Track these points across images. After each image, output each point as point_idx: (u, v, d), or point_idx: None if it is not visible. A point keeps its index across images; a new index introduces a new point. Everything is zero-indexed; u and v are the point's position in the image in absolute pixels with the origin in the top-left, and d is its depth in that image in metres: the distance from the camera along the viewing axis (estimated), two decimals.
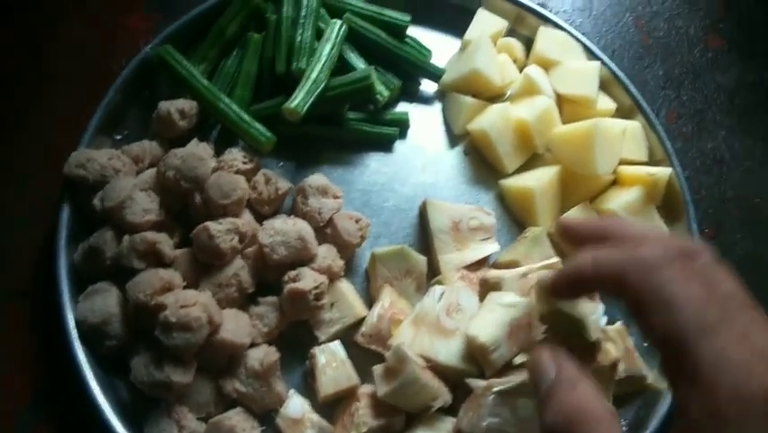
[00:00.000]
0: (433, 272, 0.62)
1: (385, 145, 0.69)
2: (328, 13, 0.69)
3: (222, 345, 0.54)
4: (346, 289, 0.60)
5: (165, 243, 0.56)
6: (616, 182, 0.66)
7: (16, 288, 0.60)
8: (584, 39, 0.71)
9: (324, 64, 0.63)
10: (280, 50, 0.65)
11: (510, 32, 0.74)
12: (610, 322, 0.58)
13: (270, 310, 0.57)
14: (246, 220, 0.60)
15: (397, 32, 0.69)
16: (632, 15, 0.80)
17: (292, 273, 0.57)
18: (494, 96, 0.70)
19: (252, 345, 0.56)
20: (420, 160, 0.69)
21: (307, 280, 0.56)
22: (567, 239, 0.46)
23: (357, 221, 0.62)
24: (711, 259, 0.39)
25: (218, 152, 0.63)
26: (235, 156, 0.62)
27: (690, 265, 0.37)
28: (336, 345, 0.57)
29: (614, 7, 0.80)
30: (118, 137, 0.65)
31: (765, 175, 0.74)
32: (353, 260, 0.64)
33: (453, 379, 0.53)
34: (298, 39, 0.64)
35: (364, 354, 0.57)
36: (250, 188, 0.61)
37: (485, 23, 0.71)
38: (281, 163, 0.67)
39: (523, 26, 0.73)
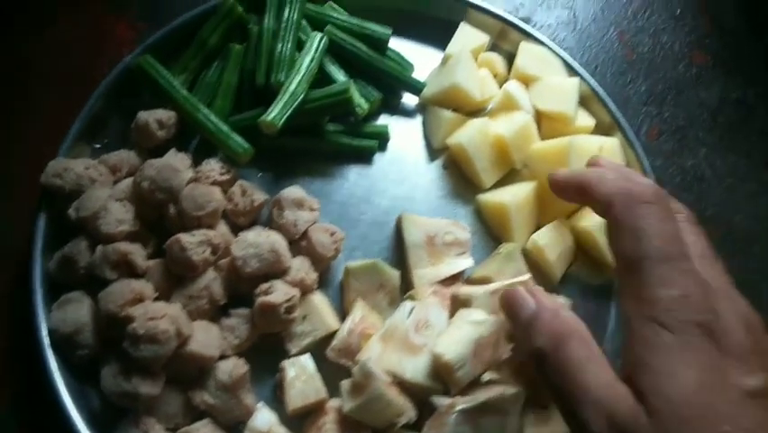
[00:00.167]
0: (407, 287, 0.62)
1: (364, 157, 0.69)
2: (310, 25, 0.69)
3: (191, 358, 0.54)
4: (319, 302, 0.60)
5: (137, 254, 0.56)
6: None
7: None
8: (565, 55, 0.71)
9: (302, 77, 0.63)
10: (260, 61, 0.65)
11: (494, 47, 0.74)
12: None
13: (242, 322, 0.58)
14: (221, 231, 0.60)
15: (379, 45, 0.69)
16: (616, 30, 0.80)
17: (264, 286, 0.57)
18: (474, 111, 0.70)
19: (223, 356, 0.57)
20: (399, 173, 0.69)
21: (279, 293, 0.56)
22: (556, 193, 0.51)
23: (332, 234, 0.62)
24: (691, 217, 0.47)
25: (196, 162, 0.63)
26: (213, 167, 0.62)
27: (669, 212, 0.43)
28: (306, 359, 0.57)
29: (598, 22, 0.80)
30: (98, 146, 0.66)
31: (746, 192, 0.74)
32: (329, 272, 0.64)
33: (419, 396, 0.53)
34: (278, 51, 0.64)
35: (335, 367, 0.57)
36: (226, 200, 0.62)
37: (467, 38, 0.71)
38: (260, 174, 0.67)
39: (506, 41, 0.73)
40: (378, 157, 0.69)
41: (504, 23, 0.72)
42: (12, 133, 0.67)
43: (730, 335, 0.39)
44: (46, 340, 0.56)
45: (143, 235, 0.59)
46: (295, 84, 0.63)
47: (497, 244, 0.66)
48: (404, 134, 0.70)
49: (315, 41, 0.65)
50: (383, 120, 0.71)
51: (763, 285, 0.70)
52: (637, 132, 0.74)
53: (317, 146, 0.67)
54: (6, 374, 0.59)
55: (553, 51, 0.71)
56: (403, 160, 0.69)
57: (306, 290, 0.59)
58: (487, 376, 0.53)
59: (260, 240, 0.58)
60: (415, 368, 0.53)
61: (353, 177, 0.68)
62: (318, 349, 0.58)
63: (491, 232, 0.67)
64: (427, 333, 0.55)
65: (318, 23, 0.69)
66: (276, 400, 0.58)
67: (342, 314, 0.61)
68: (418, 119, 0.71)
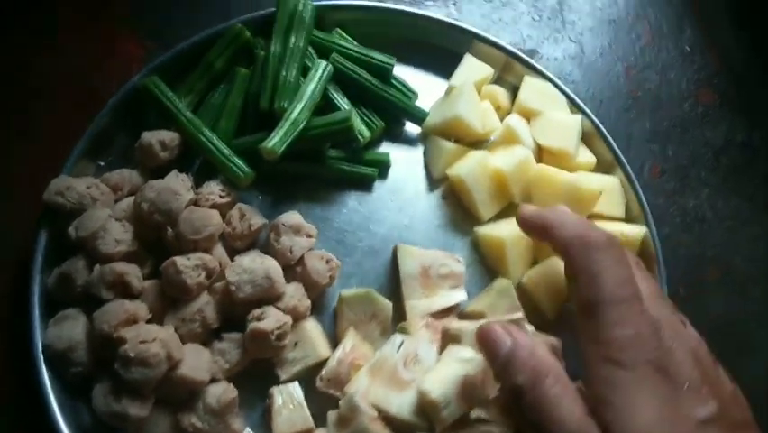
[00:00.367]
0: (400, 317, 0.62)
1: (365, 184, 0.69)
2: (317, 52, 0.69)
3: (181, 381, 0.55)
4: (311, 328, 0.60)
5: (133, 274, 0.57)
6: None
7: None
8: (568, 90, 0.71)
9: (305, 105, 0.64)
10: (265, 87, 0.66)
11: (499, 79, 0.74)
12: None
13: (233, 347, 0.58)
14: (218, 254, 0.61)
15: (383, 73, 0.70)
16: (624, 65, 0.80)
17: (257, 312, 0.58)
18: (476, 142, 0.70)
19: (213, 380, 0.57)
20: (398, 201, 0.69)
21: (270, 320, 0.57)
22: (523, 229, 0.55)
23: (327, 261, 0.62)
24: (640, 263, 0.53)
25: (198, 183, 0.64)
26: (212, 189, 0.63)
27: (623, 257, 0.46)
28: (295, 387, 0.58)
29: (605, 56, 0.80)
30: (102, 163, 0.67)
31: (747, 235, 0.73)
32: (323, 298, 0.64)
33: (404, 431, 0.53)
34: (283, 77, 0.65)
35: (324, 396, 0.58)
36: (224, 222, 0.62)
37: (471, 70, 0.71)
38: (260, 197, 0.68)
39: (511, 73, 0.74)
40: (378, 184, 0.70)
41: (509, 55, 0.72)
42: (11, 152, 0.68)
43: (681, 369, 0.43)
44: (41, 355, 0.57)
45: (141, 255, 0.60)
46: (297, 111, 0.63)
47: (492, 277, 0.66)
48: (405, 163, 0.71)
49: (320, 69, 0.66)
50: (385, 147, 0.71)
51: (761, 331, 0.69)
52: (640, 169, 0.74)
53: (318, 172, 0.68)
54: (2, 386, 0.60)
55: (557, 86, 0.71)
56: (403, 188, 0.70)
57: (298, 317, 0.60)
58: (475, 414, 0.53)
59: (255, 266, 0.58)
60: (401, 404, 0.53)
61: (353, 203, 0.68)
62: (309, 376, 0.59)
63: (487, 265, 0.67)
64: (416, 368, 0.55)
65: (324, 50, 0.70)
66: (264, 425, 0.58)
67: (335, 341, 0.62)
68: (420, 148, 0.72)
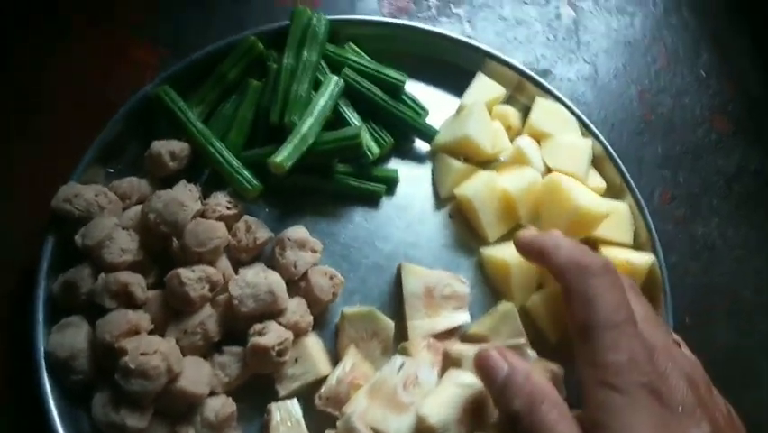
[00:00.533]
0: (402, 336, 0.62)
1: (372, 200, 0.69)
2: (329, 66, 0.69)
3: (180, 394, 0.55)
4: (312, 345, 0.60)
5: (138, 285, 0.57)
6: None
7: None
8: (580, 113, 0.70)
9: (315, 120, 0.64)
10: (276, 100, 0.66)
11: (510, 98, 0.74)
12: None
13: (234, 361, 0.58)
14: (222, 266, 0.61)
15: (394, 90, 0.69)
16: (638, 88, 0.79)
17: (258, 327, 0.58)
18: (485, 162, 0.70)
19: (212, 393, 0.57)
20: (405, 218, 0.69)
21: (272, 335, 0.57)
22: (520, 253, 0.56)
23: (331, 277, 0.62)
24: (634, 286, 0.54)
25: (206, 194, 0.64)
26: (220, 201, 0.63)
27: (617, 282, 0.47)
28: (293, 404, 0.57)
29: (620, 78, 0.79)
30: (111, 170, 0.67)
31: (756, 265, 0.72)
32: (325, 314, 0.64)
33: None
34: (294, 91, 0.65)
35: (323, 414, 0.57)
36: (230, 235, 0.62)
37: (483, 89, 0.71)
38: (267, 209, 0.68)
39: (523, 94, 0.73)
40: (385, 201, 0.69)
41: (521, 75, 0.72)
42: (18, 156, 0.69)
43: (674, 392, 0.44)
44: (42, 362, 0.57)
45: (146, 265, 0.60)
46: (307, 126, 0.63)
47: (497, 299, 0.65)
48: (413, 180, 0.70)
49: (331, 84, 0.66)
50: (393, 164, 0.71)
51: (767, 362, 0.69)
52: (650, 195, 0.73)
53: (326, 186, 0.68)
54: (4, 391, 0.60)
55: (569, 108, 0.70)
56: (410, 205, 0.69)
57: (299, 333, 0.60)
58: None
59: (259, 280, 0.58)
60: (399, 427, 0.53)
61: (359, 219, 0.68)
62: (308, 392, 0.58)
63: (492, 286, 0.66)
64: (415, 391, 0.55)
65: (336, 64, 0.69)
66: None
67: (336, 357, 0.62)
68: (428, 165, 0.71)
